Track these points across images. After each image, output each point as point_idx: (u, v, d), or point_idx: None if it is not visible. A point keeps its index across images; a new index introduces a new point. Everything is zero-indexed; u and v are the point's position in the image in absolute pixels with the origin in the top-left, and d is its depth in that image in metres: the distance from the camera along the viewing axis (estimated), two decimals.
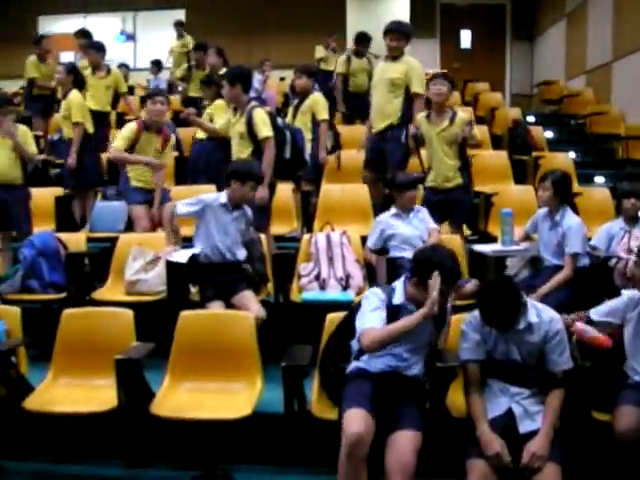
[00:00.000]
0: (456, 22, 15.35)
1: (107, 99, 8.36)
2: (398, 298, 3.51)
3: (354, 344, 3.58)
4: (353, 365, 3.58)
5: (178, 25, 12.55)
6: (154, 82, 12.39)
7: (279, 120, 5.64)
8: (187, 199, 4.72)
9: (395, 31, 6.34)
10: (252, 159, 5.30)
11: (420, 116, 5.91)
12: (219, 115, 6.83)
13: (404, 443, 3.23)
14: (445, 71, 5.97)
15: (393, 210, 5.28)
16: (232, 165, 4.93)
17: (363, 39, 9.25)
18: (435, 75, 5.90)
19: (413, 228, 5.19)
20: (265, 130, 5.33)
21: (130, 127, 5.87)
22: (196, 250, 4.64)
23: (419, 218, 5.26)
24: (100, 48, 8.35)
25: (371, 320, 3.42)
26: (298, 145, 5.56)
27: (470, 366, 3.47)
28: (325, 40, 11.71)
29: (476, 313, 3.49)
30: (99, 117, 7.84)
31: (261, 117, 5.37)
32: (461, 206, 5.79)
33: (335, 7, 14.13)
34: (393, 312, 3.46)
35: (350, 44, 12.05)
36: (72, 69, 7.44)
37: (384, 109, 6.31)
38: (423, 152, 6.10)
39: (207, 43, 9.33)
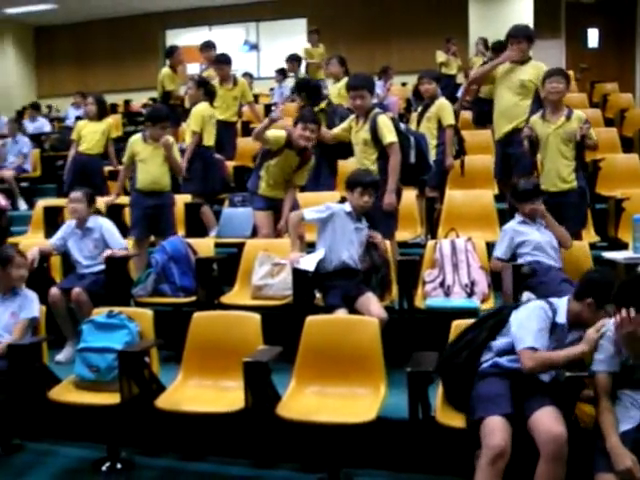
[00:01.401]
0: (582, 21, 14.84)
1: (235, 109, 8.58)
2: (561, 317, 3.48)
3: (498, 345, 3.57)
4: (491, 360, 3.55)
5: (314, 32, 12.50)
6: (279, 90, 12.59)
7: (402, 125, 5.63)
8: (314, 207, 4.83)
9: (517, 36, 6.26)
10: (377, 164, 5.37)
11: (534, 117, 5.78)
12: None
13: (548, 416, 3.22)
14: (570, 72, 5.81)
15: (518, 217, 5.14)
16: (349, 175, 5.00)
17: (499, 48, 9.14)
18: (551, 72, 5.73)
19: (543, 234, 5.05)
20: (390, 136, 5.34)
21: (280, 134, 5.70)
22: (320, 254, 4.72)
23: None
24: (228, 61, 8.56)
25: (537, 341, 3.37)
26: (423, 150, 5.54)
27: (602, 377, 3.35)
28: (445, 45, 11.61)
29: (611, 322, 3.38)
30: (226, 126, 8.06)
31: (385, 123, 5.39)
32: (576, 211, 5.59)
33: (456, 10, 13.94)
34: (552, 330, 3.45)
35: (473, 48, 11.94)
36: (202, 83, 7.71)
37: (510, 112, 6.20)
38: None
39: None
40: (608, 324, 3.40)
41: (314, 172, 6.54)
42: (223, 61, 8.52)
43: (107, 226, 5.68)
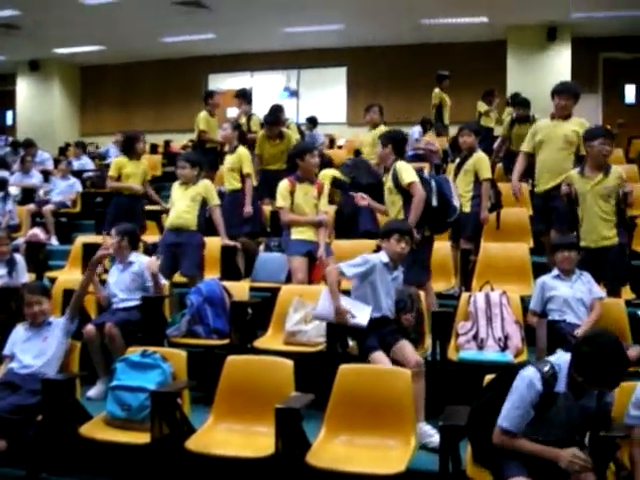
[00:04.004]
0: (620, 76, 14.86)
1: (282, 160, 8.67)
2: (560, 385, 3.30)
3: None
4: None
5: (448, 77, 12.22)
6: (309, 138, 12.70)
7: (424, 172, 5.81)
8: (351, 260, 4.81)
9: (564, 92, 6.33)
10: (403, 212, 5.51)
11: (572, 172, 5.81)
12: None
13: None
14: (609, 127, 5.85)
15: (554, 271, 5.21)
16: (385, 225, 5.09)
17: (524, 103, 9.27)
18: (600, 132, 5.75)
19: (575, 290, 5.06)
20: (408, 177, 5.52)
21: (283, 185, 6.25)
22: (369, 309, 4.68)
23: (583, 281, 5.13)
24: (277, 122, 8.76)
25: (511, 422, 3.29)
26: (445, 193, 5.62)
27: (638, 431, 3.35)
28: (487, 97, 11.66)
29: None
30: (278, 174, 8.05)
31: (402, 167, 5.61)
32: (616, 268, 5.57)
33: (496, 63, 14.07)
34: (549, 400, 3.29)
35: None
36: (237, 126, 7.91)
37: (554, 167, 6.24)
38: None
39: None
40: None
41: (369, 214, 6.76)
42: (272, 122, 8.70)
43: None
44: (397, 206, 5.62)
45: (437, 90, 12.06)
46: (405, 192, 5.56)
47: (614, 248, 5.54)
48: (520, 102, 9.47)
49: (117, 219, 7.07)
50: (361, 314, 4.64)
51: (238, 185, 7.58)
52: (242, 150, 7.67)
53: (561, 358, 3.38)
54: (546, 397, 3.27)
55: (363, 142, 9.24)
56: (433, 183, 5.61)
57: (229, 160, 7.71)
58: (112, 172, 7.83)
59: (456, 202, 5.68)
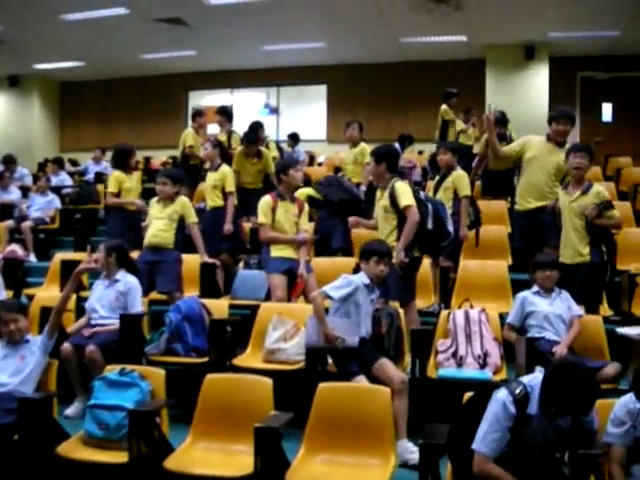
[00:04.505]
0: (597, 95, 15.02)
1: (259, 179, 8.82)
2: (533, 407, 3.28)
3: None
4: None
5: (456, 95, 11.81)
6: (287, 156, 12.72)
7: (421, 193, 5.74)
8: (334, 283, 4.81)
9: (562, 117, 6.38)
10: (397, 231, 5.46)
11: (560, 189, 5.93)
12: None
13: None
14: (586, 144, 5.92)
15: (534, 288, 5.26)
16: (364, 246, 5.02)
17: (500, 121, 9.31)
18: (576, 147, 5.86)
19: (554, 307, 5.11)
20: (406, 200, 5.45)
21: (265, 201, 6.20)
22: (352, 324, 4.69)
23: (562, 298, 5.18)
24: (256, 141, 8.83)
25: (492, 444, 3.25)
26: (441, 217, 5.60)
27: (617, 449, 3.37)
28: (464, 116, 11.71)
29: (629, 398, 3.38)
30: (253, 192, 8.27)
31: (402, 188, 5.52)
32: (585, 286, 5.58)
33: (474, 81, 14.15)
34: (523, 421, 3.25)
35: None
36: (218, 143, 7.95)
37: (541, 190, 6.30)
38: None
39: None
40: (625, 399, 3.40)
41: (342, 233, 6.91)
42: (251, 141, 8.74)
43: (133, 285, 5.72)
44: (391, 225, 5.54)
45: (444, 106, 11.63)
46: (401, 213, 5.47)
47: (586, 266, 5.59)
48: (497, 120, 9.52)
49: (122, 234, 7.00)
50: (350, 334, 4.64)
51: (220, 202, 7.60)
52: (225, 168, 7.71)
53: (535, 379, 3.36)
54: (520, 419, 3.25)
55: (344, 160, 9.29)
56: (430, 206, 5.56)
57: (212, 177, 7.70)
58: (112, 188, 7.60)
59: (451, 227, 5.70)
